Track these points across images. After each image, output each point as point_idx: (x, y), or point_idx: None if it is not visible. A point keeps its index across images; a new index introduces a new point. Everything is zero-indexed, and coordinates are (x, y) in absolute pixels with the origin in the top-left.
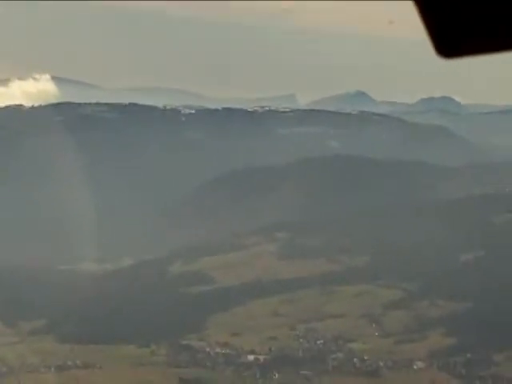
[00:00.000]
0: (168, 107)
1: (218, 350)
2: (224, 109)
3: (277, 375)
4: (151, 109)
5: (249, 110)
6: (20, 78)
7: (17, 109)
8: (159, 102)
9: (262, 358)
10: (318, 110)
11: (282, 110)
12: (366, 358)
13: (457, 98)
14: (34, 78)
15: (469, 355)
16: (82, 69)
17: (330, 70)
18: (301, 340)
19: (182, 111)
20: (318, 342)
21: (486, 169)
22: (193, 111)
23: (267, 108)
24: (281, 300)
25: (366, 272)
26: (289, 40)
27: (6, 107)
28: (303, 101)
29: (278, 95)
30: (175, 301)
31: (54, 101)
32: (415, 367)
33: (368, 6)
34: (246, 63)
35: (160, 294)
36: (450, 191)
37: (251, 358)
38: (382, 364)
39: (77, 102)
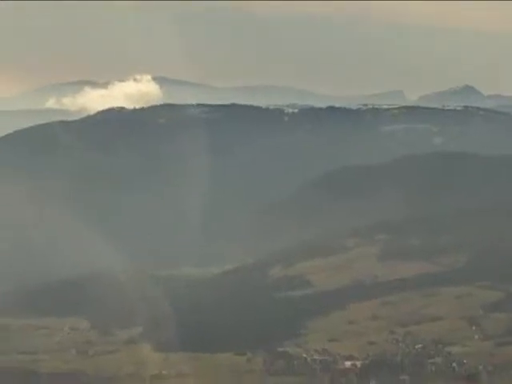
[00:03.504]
0: (271, 107)
1: (315, 356)
2: (328, 107)
3: (374, 381)
4: (254, 109)
5: (353, 108)
6: (121, 80)
7: (118, 111)
8: (264, 100)
9: (359, 363)
10: (423, 107)
11: (386, 107)
12: (465, 361)
13: None
14: (135, 79)
15: None
16: (184, 68)
17: (439, 64)
18: (400, 344)
19: (286, 110)
20: (417, 346)
21: None
22: (296, 110)
23: (371, 106)
24: (380, 303)
25: (466, 273)
26: (399, 36)
27: (108, 110)
28: (412, 97)
29: (386, 91)
30: (274, 306)
31: (157, 102)
32: None
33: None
34: (356, 59)
35: (259, 300)
36: None
37: (348, 364)
38: (481, 368)
39: (178, 103)
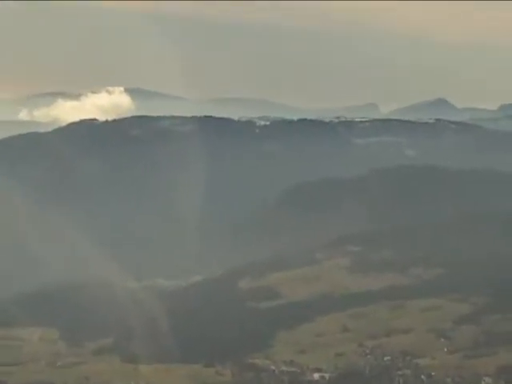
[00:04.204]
0: (243, 119)
1: (283, 368)
2: (299, 120)
3: None
4: (226, 121)
5: (325, 120)
6: (93, 92)
7: (90, 123)
8: (236, 112)
9: (327, 375)
10: (395, 120)
11: (359, 120)
12: (433, 373)
13: None
14: (108, 91)
15: None
16: (157, 79)
17: (414, 77)
18: (368, 356)
19: (257, 123)
20: (385, 359)
21: None
22: (268, 123)
23: (343, 119)
24: (350, 315)
25: (437, 286)
26: (374, 49)
27: (80, 122)
28: (386, 110)
29: (360, 104)
30: (243, 317)
31: (129, 114)
32: (483, 383)
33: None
34: (331, 72)
35: (228, 311)
36: None
37: (317, 376)
38: (449, 380)
39: (151, 115)
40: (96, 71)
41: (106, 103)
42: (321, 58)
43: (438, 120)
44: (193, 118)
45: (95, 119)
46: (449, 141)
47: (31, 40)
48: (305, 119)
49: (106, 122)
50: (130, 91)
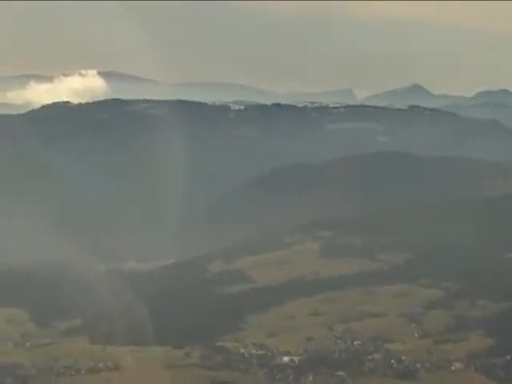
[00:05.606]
0: (217, 103)
1: (252, 351)
2: (274, 104)
3: (311, 377)
4: (200, 105)
5: (299, 105)
6: (66, 74)
7: (63, 106)
8: (210, 96)
9: (296, 359)
10: (369, 106)
11: (332, 105)
12: (403, 358)
13: None
14: (81, 74)
15: (508, 357)
16: (130, 62)
17: (391, 63)
18: (338, 341)
19: (232, 107)
20: (355, 343)
21: None
22: (242, 107)
23: (317, 104)
24: (321, 299)
25: (407, 271)
26: (353, 33)
27: (53, 104)
28: (361, 95)
29: (336, 89)
30: (213, 301)
31: (102, 97)
32: (453, 368)
33: None
34: (309, 57)
35: (198, 294)
36: (496, 188)
37: (286, 359)
38: (419, 365)
39: (124, 98)
40: (69, 54)
41: (80, 86)
42: (297, 43)
43: (412, 107)
44: (166, 101)
45: (68, 102)
46: (422, 128)
47: (3, 22)
48: (279, 104)
49: (79, 104)
50: (103, 74)
